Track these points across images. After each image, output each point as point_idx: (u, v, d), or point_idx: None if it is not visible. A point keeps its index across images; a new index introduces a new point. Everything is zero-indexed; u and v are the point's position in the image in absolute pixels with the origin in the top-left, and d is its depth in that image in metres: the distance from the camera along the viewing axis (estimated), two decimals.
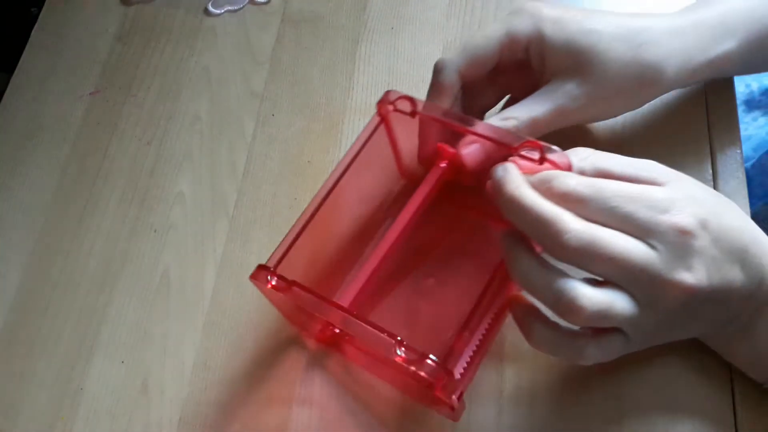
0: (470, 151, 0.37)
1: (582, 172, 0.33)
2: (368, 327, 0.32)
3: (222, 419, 0.39)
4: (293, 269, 0.35)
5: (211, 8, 0.53)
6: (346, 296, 0.36)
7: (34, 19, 0.54)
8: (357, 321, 0.32)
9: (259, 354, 0.41)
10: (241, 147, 0.47)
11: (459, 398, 0.32)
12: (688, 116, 0.44)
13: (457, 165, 0.38)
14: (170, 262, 0.44)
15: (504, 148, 0.34)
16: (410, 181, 0.43)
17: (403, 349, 0.31)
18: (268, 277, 0.34)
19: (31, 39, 0.53)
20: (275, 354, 0.40)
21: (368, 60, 0.49)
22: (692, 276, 0.30)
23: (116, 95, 0.50)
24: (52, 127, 0.50)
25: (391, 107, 0.38)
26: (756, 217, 0.34)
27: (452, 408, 0.32)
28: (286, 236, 0.35)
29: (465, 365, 0.33)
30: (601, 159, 0.33)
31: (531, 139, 0.33)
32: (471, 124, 0.36)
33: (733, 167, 0.43)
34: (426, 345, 0.31)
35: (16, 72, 0.52)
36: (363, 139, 0.38)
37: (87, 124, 0.50)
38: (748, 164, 0.69)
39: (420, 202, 0.38)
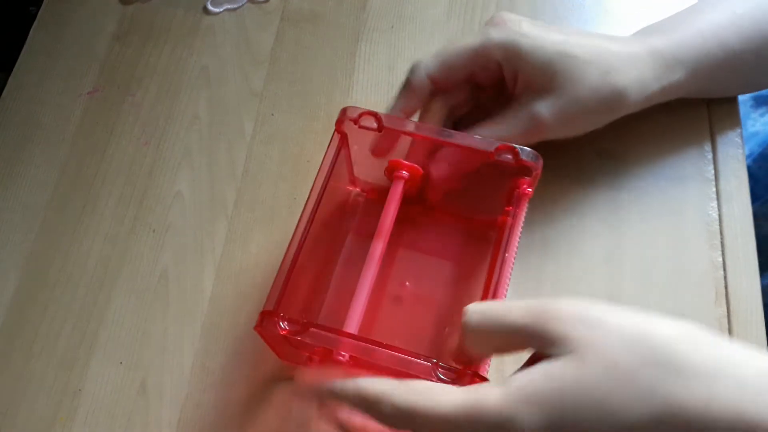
0: (439, 168, 0.39)
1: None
2: (399, 354, 0.31)
3: (221, 420, 0.39)
4: (285, 306, 0.34)
5: (210, 7, 0.53)
6: (351, 324, 0.35)
7: (32, 18, 0.54)
8: (384, 350, 0.32)
9: (258, 354, 0.40)
10: (240, 146, 0.47)
11: None
12: (689, 115, 0.44)
13: (418, 177, 0.39)
14: (169, 262, 0.44)
15: (481, 155, 0.35)
16: (366, 191, 0.44)
17: (440, 371, 0.30)
18: (281, 324, 0.33)
19: (29, 38, 0.53)
20: (275, 354, 0.40)
21: (368, 59, 0.49)
22: None
23: (115, 95, 0.50)
24: (50, 127, 0.49)
25: (354, 124, 0.38)
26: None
27: None
28: (277, 276, 0.34)
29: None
30: (483, 318, 0.29)
31: (505, 143, 0.35)
32: (446, 135, 0.36)
33: (735, 166, 0.43)
34: (424, 348, 0.31)
35: (14, 71, 0.52)
36: (328, 164, 0.38)
37: (85, 123, 0.49)
38: (752, 159, 0.68)
39: (392, 218, 0.38)
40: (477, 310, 0.29)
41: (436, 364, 0.31)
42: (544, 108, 0.38)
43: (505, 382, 0.27)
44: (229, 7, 0.53)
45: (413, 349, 0.31)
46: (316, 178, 0.37)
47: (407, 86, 0.39)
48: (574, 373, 0.26)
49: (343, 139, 0.39)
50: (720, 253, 0.40)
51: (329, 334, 0.33)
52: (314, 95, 0.49)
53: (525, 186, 0.36)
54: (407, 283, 0.40)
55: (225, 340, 0.41)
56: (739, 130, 0.44)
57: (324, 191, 0.37)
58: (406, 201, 0.39)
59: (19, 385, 0.41)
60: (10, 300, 0.44)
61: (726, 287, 0.39)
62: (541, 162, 0.35)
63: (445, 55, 0.39)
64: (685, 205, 0.42)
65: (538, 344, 0.27)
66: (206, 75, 0.50)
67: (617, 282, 0.36)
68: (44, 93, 0.51)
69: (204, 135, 0.48)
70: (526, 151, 0.35)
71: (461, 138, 0.36)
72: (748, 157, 0.67)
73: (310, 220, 0.36)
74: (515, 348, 0.29)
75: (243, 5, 0.53)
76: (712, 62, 0.40)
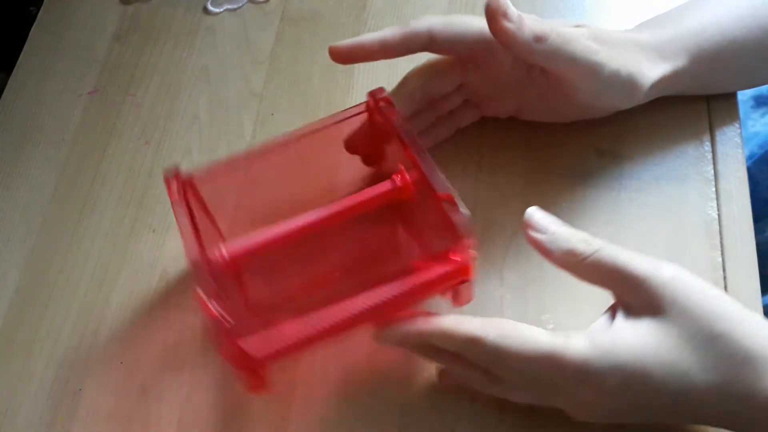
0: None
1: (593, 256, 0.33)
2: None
3: (221, 420, 0.39)
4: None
5: (210, 7, 0.53)
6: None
7: (32, 18, 0.54)
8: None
9: None
10: (240, 146, 0.47)
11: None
12: (689, 115, 0.44)
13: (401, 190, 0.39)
14: (169, 262, 0.44)
15: (429, 188, 0.35)
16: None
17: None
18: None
19: (29, 38, 0.53)
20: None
21: None
22: (591, 418, 0.32)
23: (115, 95, 0.50)
24: (50, 127, 0.49)
25: (381, 103, 0.38)
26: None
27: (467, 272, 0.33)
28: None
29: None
30: (603, 258, 0.32)
31: (452, 195, 0.34)
32: (418, 152, 0.36)
33: (735, 166, 0.43)
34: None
35: (14, 71, 0.52)
36: (341, 117, 0.38)
37: (85, 123, 0.49)
38: (752, 161, 0.69)
39: (357, 202, 0.38)
40: (597, 245, 0.32)
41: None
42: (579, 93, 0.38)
43: (589, 333, 0.30)
44: (229, 7, 0.53)
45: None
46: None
47: (403, 27, 0.38)
48: (655, 338, 0.29)
49: (370, 116, 0.39)
50: (719, 253, 0.40)
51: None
52: (314, 96, 0.49)
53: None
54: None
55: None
56: (739, 130, 0.44)
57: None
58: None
59: (19, 384, 0.41)
60: (11, 299, 0.44)
61: (725, 287, 0.39)
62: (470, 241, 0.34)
63: (458, 25, 0.38)
64: (685, 205, 0.42)
65: (636, 296, 0.31)
66: (206, 75, 0.50)
67: None
68: (44, 93, 0.51)
69: (204, 135, 0.48)
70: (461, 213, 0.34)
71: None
72: (748, 158, 0.67)
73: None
74: (611, 287, 0.32)
75: (243, 5, 0.53)
76: (713, 48, 0.39)
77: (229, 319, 0.31)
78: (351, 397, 0.39)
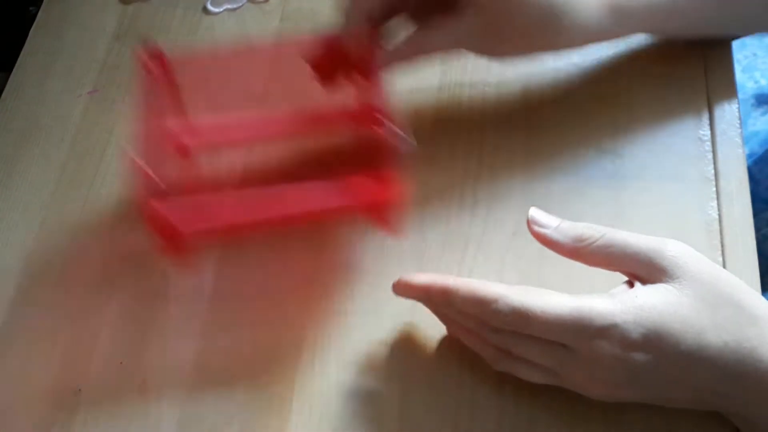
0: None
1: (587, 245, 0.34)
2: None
3: (221, 420, 0.39)
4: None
5: (210, 7, 0.53)
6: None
7: (32, 18, 0.54)
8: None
9: (257, 354, 0.40)
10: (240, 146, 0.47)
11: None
12: (689, 115, 0.44)
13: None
14: (169, 261, 0.44)
15: (367, 108, 0.37)
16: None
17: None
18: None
19: (29, 38, 0.53)
20: (274, 354, 0.40)
21: None
22: (610, 385, 0.33)
23: (114, 94, 0.50)
24: (50, 127, 0.49)
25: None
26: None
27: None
28: None
29: None
30: (613, 239, 0.34)
31: (387, 119, 0.36)
32: (372, 78, 0.38)
33: (735, 166, 0.43)
34: None
35: (14, 71, 0.52)
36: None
37: (85, 123, 0.49)
38: (753, 160, 0.68)
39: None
40: (603, 231, 0.34)
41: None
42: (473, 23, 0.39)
43: (612, 294, 0.32)
44: (228, 7, 0.53)
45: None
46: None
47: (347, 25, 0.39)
48: (674, 297, 0.31)
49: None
50: (720, 253, 0.40)
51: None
52: (314, 95, 0.48)
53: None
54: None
55: (225, 340, 0.41)
56: (739, 130, 0.44)
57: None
58: None
59: (19, 384, 0.41)
60: (11, 299, 0.44)
61: None
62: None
63: None
64: (686, 204, 0.42)
65: (648, 269, 0.33)
66: (206, 75, 0.50)
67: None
68: (44, 93, 0.51)
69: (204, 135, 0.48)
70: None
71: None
72: (748, 157, 0.67)
73: None
74: (623, 268, 0.34)
75: (243, 5, 0.53)
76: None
77: (159, 181, 0.31)
78: (351, 397, 0.39)
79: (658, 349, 0.31)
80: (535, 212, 0.36)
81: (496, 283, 0.33)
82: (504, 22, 0.39)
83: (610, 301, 0.32)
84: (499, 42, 0.40)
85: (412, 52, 0.40)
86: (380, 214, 0.37)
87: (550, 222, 0.36)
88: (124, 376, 0.41)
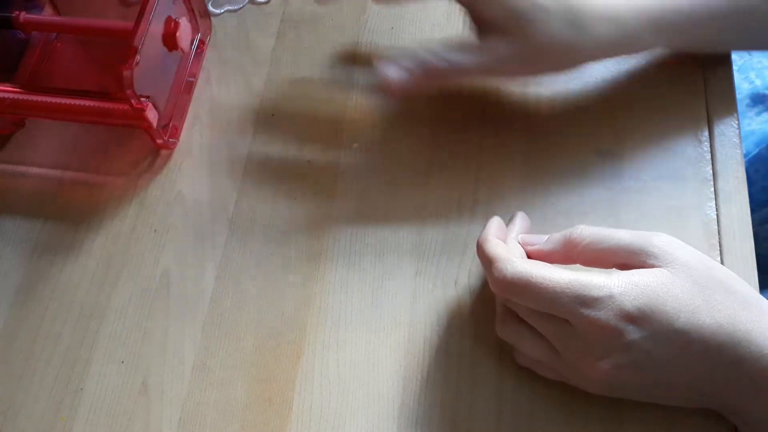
0: None
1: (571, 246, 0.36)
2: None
3: (221, 419, 0.39)
4: None
5: (210, 8, 0.53)
6: None
7: None
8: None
9: (258, 354, 0.41)
10: (240, 147, 0.47)
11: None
12: (688, 115, 0.45)
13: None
14: (170, 261, 0.44)
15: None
16: None
17: None
18: None
19: (30, 41, 0.53)
20: (275, 354, 0.40)
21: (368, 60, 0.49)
22: (606, 363, 0.33)
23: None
24: (51, 126, 0.49)
25: None
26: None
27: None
28: None
29: None
30: (601, 235, 0.35)
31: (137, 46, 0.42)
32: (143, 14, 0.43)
33: (733, 166, 0.43)
34: None
35: (16, 73, 0.52)
36: None
37: (85, 125, 0.49)
38: (748, 160, 0.69)
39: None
40: (590, 230, 0.35)
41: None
42: (506, 48, 0.40)
43: (608, 272, 0.33)
44: (229, 8, 0.53)
45: None
46: None
47: None
48: (667, 278, 0.32)
49: None
50: (718, 252, 0.41)
51: None
52: (315, 96, 0.49)
53: None
54: None
55: (225, 339, 0.41)
56: (737, 131, 0.44)
57: None
58: None
59: (20, 384, 0.41)
60: (12, 299, 0.44)
61: None
62: None
63: None
64: (684, 204, 0.42)
65: (639, 257, 0.34)
66: (207, 75, 0.50)
67: None
68: None
69: (205, 135, 0.48)
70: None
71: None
72: (744, 157, 0.67)
73: None
74: (616, 260, 0.35)
75: (244, 6, 0.53)
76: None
77: None
78: (350, 397, 0.39)
79: (652, 326, 0.32)
80: (522, 237, 0.38)
81: (503, 245, 0.36)
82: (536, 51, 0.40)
83: (607, 276, 0.33)
84: (529, 69, 0.42)
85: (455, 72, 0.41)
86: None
87: (538, 239, 0.37)
88: (126, 375, 0.41)
